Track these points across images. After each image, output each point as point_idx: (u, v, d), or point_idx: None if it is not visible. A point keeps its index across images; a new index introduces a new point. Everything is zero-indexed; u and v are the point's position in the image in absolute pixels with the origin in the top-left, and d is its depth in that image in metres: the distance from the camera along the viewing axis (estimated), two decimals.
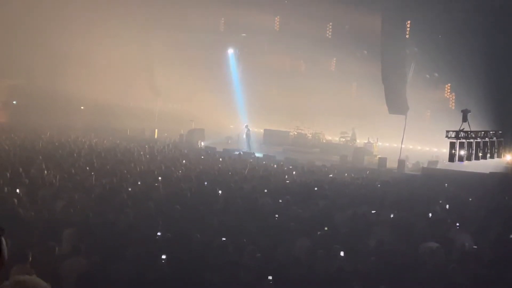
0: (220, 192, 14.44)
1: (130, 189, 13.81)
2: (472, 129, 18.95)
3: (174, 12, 34.78)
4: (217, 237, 9.17)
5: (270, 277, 7.53)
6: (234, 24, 37.71)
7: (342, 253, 8.85)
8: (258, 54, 38.73)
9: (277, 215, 11.74)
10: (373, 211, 12.99)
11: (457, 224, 11.95)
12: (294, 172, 21.16)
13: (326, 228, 10.70)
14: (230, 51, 39.60)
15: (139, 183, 15.04)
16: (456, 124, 19.04)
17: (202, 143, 32.76)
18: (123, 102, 39.57)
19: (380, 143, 33.06)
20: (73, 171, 15.80)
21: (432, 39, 27.80)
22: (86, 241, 8.46)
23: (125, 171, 16.65)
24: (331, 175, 21.32)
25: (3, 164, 15.58)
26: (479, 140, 19.38)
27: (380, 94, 28.01)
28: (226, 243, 8.82)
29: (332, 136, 36.87)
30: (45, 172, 15.03)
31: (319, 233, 10.40)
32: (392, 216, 12.84)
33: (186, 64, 37.38)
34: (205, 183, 16.04)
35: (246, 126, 33.43)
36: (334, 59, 37.96)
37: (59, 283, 6.89)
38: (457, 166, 21.26)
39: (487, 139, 19.90)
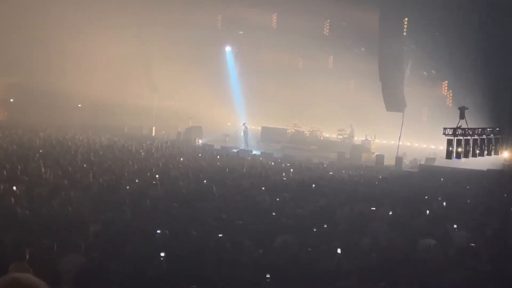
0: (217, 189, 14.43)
1: (128, 187, 13.80)
2: (469, 126, 18.99)
3: (171, 9, 34.72)
4: (215, 234, 9.16)
5: (268, 275, 7.53)
6: (231, 21, 37.69)
7: (339, 250, 8.85)
8: (256, 51, 38.68)
9: (274, 213, 11.74)
10: (372, 208, 12.99)
11: (455, 221, 11.95)
12: (291, 170, 21.15)
13: (325, 226, 10.70)
14: (228, 48, 39.59)
15: (136, 180, 15.02)
16: (453, 121, 19.09)
17: (200, 141, 32.75)
18: (120, 99, 39.53)
19: (377, 140, 33.09)
20: (70, 169, 15.77)
21: (430, 36, 27.84)
22: (84, 239, 8.45)
23: (123, 169, 16.62)
24: (331, 173, 21.33)
25: (0, 162, 15.54)
26: (476, 137, 19.42)
27: (378, 91, 28.05)
28: (224, 240, 8.81)
29: (330, 133, 36.87)
30: (43, 169, 15.00)
31: (314, 230, 10.41)
32: (391, 213, 12.84)
33: (183, 62, 37.31)
34: (205, 181, 16.02)
35: (244, 124, 33.43)
36: (332, 56, 37.88)
37: (57, 281, 6.87)
38: (454, 163, 21.29)
39: (484, 136, 19.93)
